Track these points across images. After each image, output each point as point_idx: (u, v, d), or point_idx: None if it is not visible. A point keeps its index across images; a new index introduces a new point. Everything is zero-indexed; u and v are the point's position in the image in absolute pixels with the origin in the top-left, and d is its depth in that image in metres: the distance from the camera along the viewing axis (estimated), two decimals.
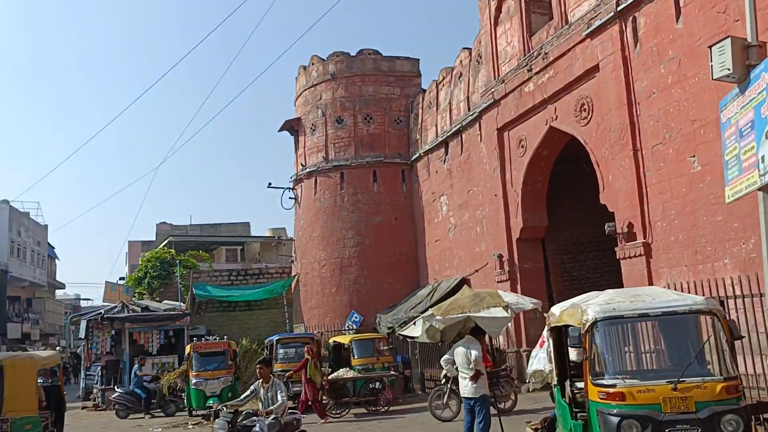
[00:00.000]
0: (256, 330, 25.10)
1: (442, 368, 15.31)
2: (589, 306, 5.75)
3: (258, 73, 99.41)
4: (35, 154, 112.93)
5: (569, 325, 6.36)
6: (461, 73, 20.88)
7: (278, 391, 7.52)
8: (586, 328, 5.53)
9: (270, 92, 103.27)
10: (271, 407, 7.39)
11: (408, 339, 11.90)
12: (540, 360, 7.05)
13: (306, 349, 15.89)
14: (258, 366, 7.94)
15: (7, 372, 9.96)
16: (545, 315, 6.99)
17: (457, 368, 9.26)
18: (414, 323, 10.19)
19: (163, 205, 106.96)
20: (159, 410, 18.07)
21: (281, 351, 18.34)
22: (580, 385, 6.39)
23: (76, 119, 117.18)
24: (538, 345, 7.27)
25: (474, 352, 9.02)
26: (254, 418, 7.38)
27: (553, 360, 6.90)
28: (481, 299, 9.37)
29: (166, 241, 34.36)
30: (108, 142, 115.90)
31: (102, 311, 22.65)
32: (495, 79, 18.07)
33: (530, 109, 16.60)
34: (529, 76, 16.41)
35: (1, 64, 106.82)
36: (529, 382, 7.38)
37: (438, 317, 9.31)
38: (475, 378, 8.96)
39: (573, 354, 6.68)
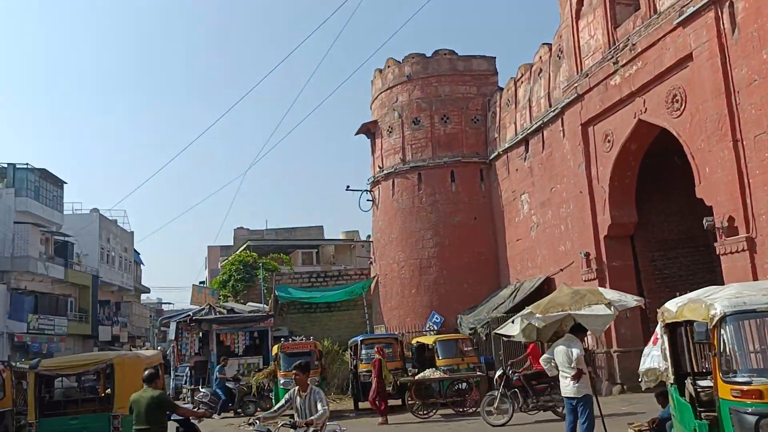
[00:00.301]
0: (336, 331, 25.34)
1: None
2: (715, 300, 5.51)
3: (333, 78, 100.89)
4: (119, 163, 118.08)
5: (689, 321, 6.12)
6: (541, 69, 20.53)
7: (317, 400, 6.71)
8: (714, 323, 5.30)
9: (344, 97, 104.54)
10: (311, 417, 6.59)
11: (503, 338, 11.73)
12: (654, 358, 6.79)
13: (376, 349, 15.98)
14: (294, 372, 6.98)
15: (117, 370, 10.45)
16: (660, 311, 6.73)
17: (557, 367, 9.07)
18: (512, 321, 10.00)
19: (239, 211, 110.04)
20: (239, 410, 18.49)
21: (365, 352, 18.43)
22: (703, 383, 6.13)
23: (159, 130, 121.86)
24: (650, 342, 7.00)
25: (575, 351, 8.81)
26: (291, 431, 6.70)
27: (668, 358, 6.64)
28: (581, 296, 9.13)
29: (244, 246, 35.13)
30: (189, 152, 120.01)
31: (190, 313, 23.34)
32: (578, 73, 17.67)
33: (617, 103, 16.15)
34: (615, 69, 15.97)
35: (92, 76, 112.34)
36: (641, 380, 7.11)
37: (538, 315, 9.11)
38: (577, 377, 8.75)
39: None
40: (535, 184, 20.63)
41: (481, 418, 13.15)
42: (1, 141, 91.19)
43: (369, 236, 44.48)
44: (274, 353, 18.33)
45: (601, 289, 9.67)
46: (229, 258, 31.02)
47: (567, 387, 8.89)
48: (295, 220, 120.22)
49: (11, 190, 33.43)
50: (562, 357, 8.91)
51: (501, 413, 13.02)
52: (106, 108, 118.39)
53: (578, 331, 9.22)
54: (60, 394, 11.86)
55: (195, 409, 21.08)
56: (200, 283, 50.85)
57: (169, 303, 72.28)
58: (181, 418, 7.96)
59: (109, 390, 11.67)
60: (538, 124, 20.15)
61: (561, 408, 13.17)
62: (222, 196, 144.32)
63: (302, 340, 18.47)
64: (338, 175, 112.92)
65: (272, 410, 6.87)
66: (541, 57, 20.61)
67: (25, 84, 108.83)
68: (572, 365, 8.76)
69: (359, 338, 18.69)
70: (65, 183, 37.98)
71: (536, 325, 9.34)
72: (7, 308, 31.09)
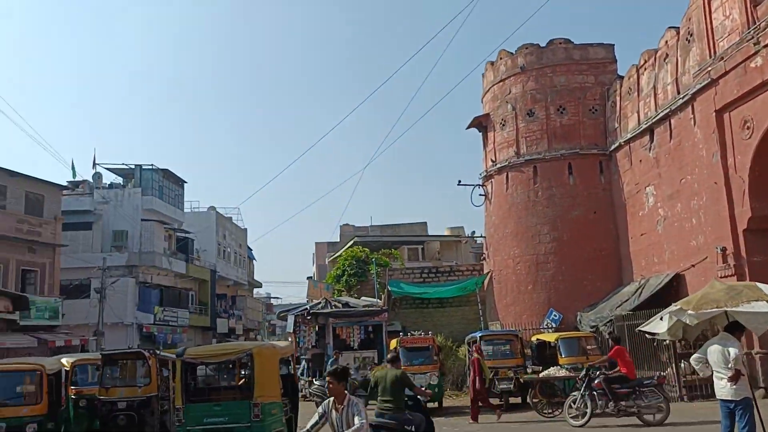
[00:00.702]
0: (449, 327, 25.18)
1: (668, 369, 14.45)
2: None
3: (444, 74, 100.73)
4: (233, 162, 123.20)
5: None
6: (667, 55, 19.46)
7: (355, 413, 5.95)
8: None
9: (453, 92, 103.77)
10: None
11: (647, 335, 11.21)
12: None
13: (475, 348, 15.75)
14: (328, 379, 6.12)
15: (257, 359, 10.77)
16: None
17: (710, 368, 8.49)
18: (660, 318, 9.48)
19: (344, 207, 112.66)
20: None
21: (484, 348, 18.14)
22: None
23: (275, 135, 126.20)
24: None
25: (732, 350, 8.20)
26: None
27: None
28: (737, 293, 8.51)
29: (351, 242, 35.66)
30: (299, 152, 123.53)
31: (308, 307, 23.91)
32: (711, 56, 16.60)
33: (758, 86, 15.04)
34: (756, 50, 14.87)
35: (225, 84, 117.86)
36: None
37: (690, 312, 8.55)
38: (734, 378, 8.15)
39: None
40: (662, 176, 19.60)
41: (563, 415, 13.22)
42: (129, 143, 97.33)
43: (474, 232, 44.09)
44: (392, 347, 18.42)
45: (758, 284, 8.98)
46: (341, 253, 31.52)
47: (723, 389, 8.30)
48: (398, 216, 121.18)
49: (138, 189, 35.62)
50: (716, 356, 8.33)
51: (581, 414, 12.85)
52: (224, 112, 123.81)
53: (734, 329, 8.60)
54: (201, 382, 12.37)
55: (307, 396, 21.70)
56: (307, 278, 52.16)
57: (278, 297, 74.67)
58: (412, 394, 8.70)
59: (245, 379, 12.09)
60: (665, 112, 19.12)
61: (646, 415, 12.67)
62: (328, 196, 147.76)
63: (420, 335, 18.45)
64: (444, 171, 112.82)
65: (305, 429, 6.06)
66: (667, 42, 19.55)
67: (151, 92, 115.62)
68: (729, 365, 8.18)
69: (478, 334, 18.44)
70: (185, 182, 39.96)
71: (687, 322, 8.78)
72: (136, 301, 33.14)
